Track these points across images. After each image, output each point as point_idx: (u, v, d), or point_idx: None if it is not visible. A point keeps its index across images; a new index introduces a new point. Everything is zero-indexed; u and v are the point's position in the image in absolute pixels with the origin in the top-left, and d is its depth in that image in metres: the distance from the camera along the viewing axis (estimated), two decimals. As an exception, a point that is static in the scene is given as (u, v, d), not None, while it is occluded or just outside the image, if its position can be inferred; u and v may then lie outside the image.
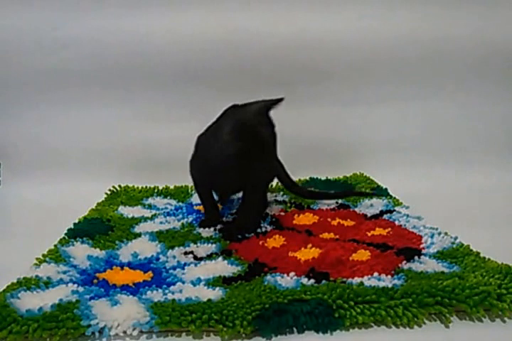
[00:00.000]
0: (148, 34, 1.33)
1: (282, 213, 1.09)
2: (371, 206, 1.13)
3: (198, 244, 0.91)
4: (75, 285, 0.74)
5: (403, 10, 1.37)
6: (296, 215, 1.07)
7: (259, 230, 0.97)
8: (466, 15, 1.38)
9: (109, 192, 1.24)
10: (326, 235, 0.95)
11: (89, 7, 1.31)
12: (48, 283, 0.74)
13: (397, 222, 1.01)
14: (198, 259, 0.85)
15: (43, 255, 0.84)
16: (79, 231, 0.95)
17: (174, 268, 0.81)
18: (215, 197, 1.05)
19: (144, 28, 1.33)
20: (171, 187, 1.29)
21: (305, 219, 1.05)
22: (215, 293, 0.71)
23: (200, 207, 1.14)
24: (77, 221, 1.02)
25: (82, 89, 1.35)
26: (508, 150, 1.42)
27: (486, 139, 1.43)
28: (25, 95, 1.35)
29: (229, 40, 1.32)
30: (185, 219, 1.05)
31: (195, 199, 1.20)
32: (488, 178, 1.29)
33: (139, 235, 0.96)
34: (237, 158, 0.88)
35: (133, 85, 1.34)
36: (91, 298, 0.69)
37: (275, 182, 1.26)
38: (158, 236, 0.95)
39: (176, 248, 0.89)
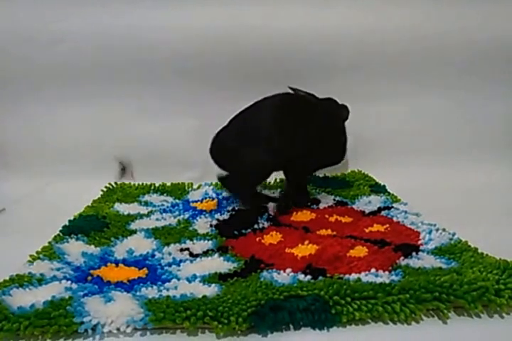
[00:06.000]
0: (146, 29, 1.31)
1: (280, 210, 1.08)
2: (369, 203, 1.12)
3: (194, 241, 0.90)
4: (69, 282, 0.72)
5: (401, 6, 1.36)
6: (293, 212, 1.06)
7: (256, 226, 0.97)
8: (467, 11, 1.37)
9: (105, 189, 1.23)
10: (323, 231, 0.94)
11: (86, 0, 1.30)
12: (41, 280, 0.73)
13: (395, 219, 1.00)
14: (193, 256, 0.84)
15: (37, 252, 0.83)
16: (74, 228, 0.94)
17: (170, 264, 0.80)
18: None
19: (141, 23, 1.31)
20: (168, 184, 1.28)
21: (302, 215, 1.04)
22: (211, 290, 0.70)
23: (197, 204, 1.13)
24: (72, 218, 1.01)
25: (78, 86, 1.33)
26: (506, 147, 1.41)
27: (483, 136, 1.42)
28: (22, 92, 1.34)
29: (227, 35, 1.31)
30: (182, 216, 1.04)
31: (192, 196, 1.20)
32: (486, 175, 1.28)
33: (134, 232, 0.95)
34: None
35: (129, 81, 1.32)
36: (84, 295, 0.68)
37: (272, 179, 1.26)
38: (153, 232, 0.94)
39: (172, 245, 0.88)
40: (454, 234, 0.89)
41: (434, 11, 1.37)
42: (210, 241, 0.90)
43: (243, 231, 0.94)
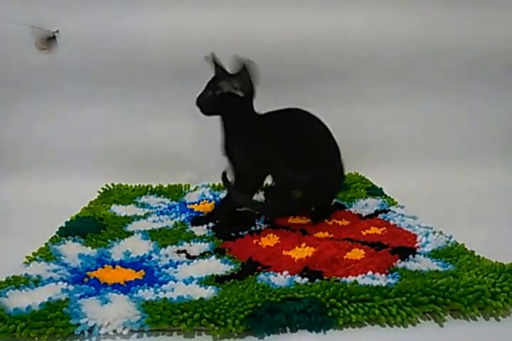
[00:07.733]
0: (144, 31, 1.32)
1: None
2: (366, 206, 1.12)
3: (191, 243, 0.90)
4: (65, 283, 0.72)
5: (399, 10, 1.37)
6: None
7: (253, 228, 0.96)
8: (466, 16, 1.38)
9: (102, 191, 1.23)
10: (320, 234, 0.94)
11: (83, 2, 1.30)
12: (38, 282, 0.73)
13: (392, 222, 1.00)
14: (190, 258, 0.84)
15: (34, 253, 0.83)
16: (71, 230, 0.94)
17: (166, 266, 0.80)
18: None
19: (140, 25, 1.31)
20: (165, 185, 1.28)
21: (300, 218, 1.04)
22: (208, 292, 0.70)
23: (194, 206, 1.13)
24: (69, 219, 1.00)
25: (76, 87, 1.33)
26: (503, 151, 1.42)
27: (481, 140, 1.43)
28: (20, 93, 1.34)
29: (225, 38, 1.31)
30: (179, 218, 1.04)
31: (189, 197, 1.20)
32: (483, 178, 1.29)
33: (131, 233, 0.94)
34: None
35: (127, 83, 1.32)
36: (81, 297, 0.68)
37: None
38: (150, 234, 0.94)
39: (169, 246, 0.88)
40: (450, 237, 0.89)
41: (432, 15, 1.37)
42: (207, 243, 0.90)
43: (240, 233, 0.94)
